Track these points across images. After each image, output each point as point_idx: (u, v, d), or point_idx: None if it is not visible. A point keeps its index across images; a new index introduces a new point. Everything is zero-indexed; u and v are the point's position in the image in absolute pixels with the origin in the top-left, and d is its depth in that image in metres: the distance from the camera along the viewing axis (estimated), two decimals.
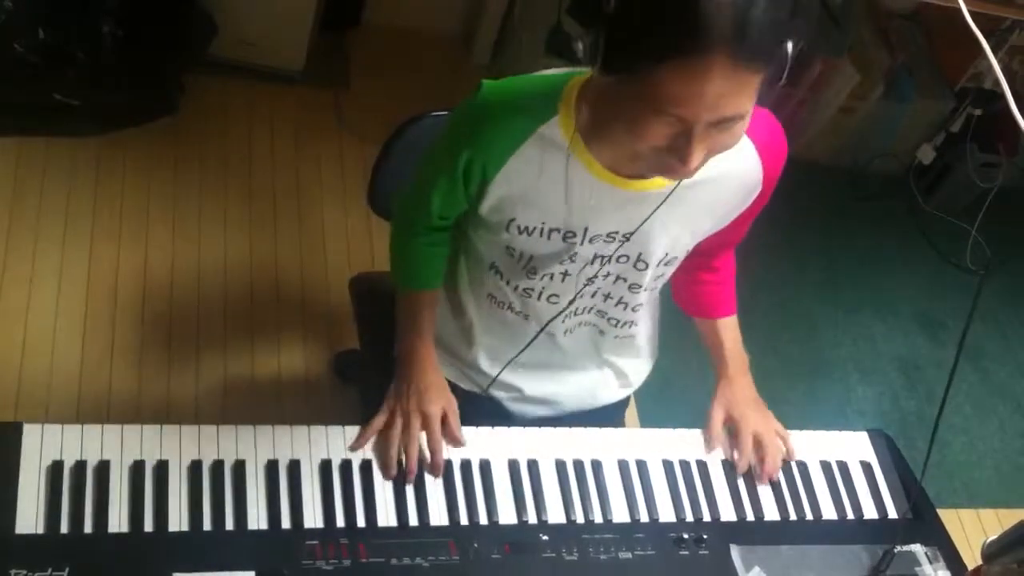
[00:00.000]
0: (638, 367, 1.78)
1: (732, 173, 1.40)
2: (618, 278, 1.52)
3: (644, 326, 1.69)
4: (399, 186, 1.60)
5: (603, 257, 1.47)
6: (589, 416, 1.77)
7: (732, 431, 1.64)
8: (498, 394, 1.71)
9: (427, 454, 1.49)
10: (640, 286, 1.53)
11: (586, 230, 1.42)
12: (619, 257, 1.47)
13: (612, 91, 1.21)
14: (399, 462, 1.48)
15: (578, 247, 1.44)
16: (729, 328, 1.70)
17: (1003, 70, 1.34)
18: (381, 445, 1.49)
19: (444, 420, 1.52)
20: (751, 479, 1.62)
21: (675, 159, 1.19)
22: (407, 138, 1.79)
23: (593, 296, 1.55)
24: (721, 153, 1.22)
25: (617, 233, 1.43)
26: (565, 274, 1.49)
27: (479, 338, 1.64)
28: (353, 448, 1.48)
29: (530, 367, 1.67)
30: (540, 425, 1.67)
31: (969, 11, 1.33)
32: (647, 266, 1.49)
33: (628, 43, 1.12)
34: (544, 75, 1.39)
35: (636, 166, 1.34)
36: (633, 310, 1.59)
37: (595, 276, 1.50)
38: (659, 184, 1.36)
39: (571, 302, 1.54)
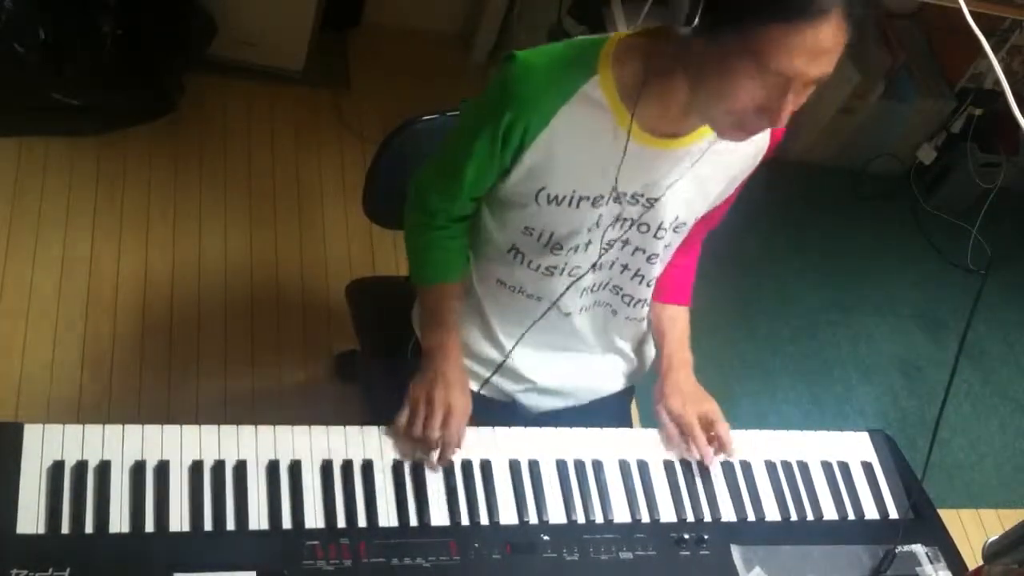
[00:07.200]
0: (644, 353, 1.78)
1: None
2: (636, 249, 1.54)
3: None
4: (412, 175, 1.58)
5: (626, 220, 1.48)
6: (598, 405, 1.77)
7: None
8: (511, 387, 1.70)
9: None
10: (657, 255, 1.55)
11: (614, 189, 1.43)
12: (640, 226, 1.49)
13: (693, 53, 1.23)
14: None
15: (604, 208, 1.45)
16: (678, 320, 1.72)
17: (1003, 70, 1.35)
18: (414, 438, 1.48)
19: None
20: (751, 478, 1.61)
21: (762, 119, 1.24)
22: (404, 140, 1.77)
23: (611, 267, 1.56)
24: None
25: (642, 196, 1.45)
26: (589, 243, 1.50)
27: (497, 329, 1.64)
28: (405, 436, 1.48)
29: (542, 347, 1.66)
30: (552, 415, 1.68)
31: (969, 11, 1.33)
32: (664, 232, 1.51)
33: (743, 2, 1.17)
34: (576, 40, 1.41)
35: (684, 124, 1.37)
36: (648, 285, 1.60)
37: (616, 240, 1.51)
38: (686, 143, 1.39)
39: (586, 273, 1.54)
